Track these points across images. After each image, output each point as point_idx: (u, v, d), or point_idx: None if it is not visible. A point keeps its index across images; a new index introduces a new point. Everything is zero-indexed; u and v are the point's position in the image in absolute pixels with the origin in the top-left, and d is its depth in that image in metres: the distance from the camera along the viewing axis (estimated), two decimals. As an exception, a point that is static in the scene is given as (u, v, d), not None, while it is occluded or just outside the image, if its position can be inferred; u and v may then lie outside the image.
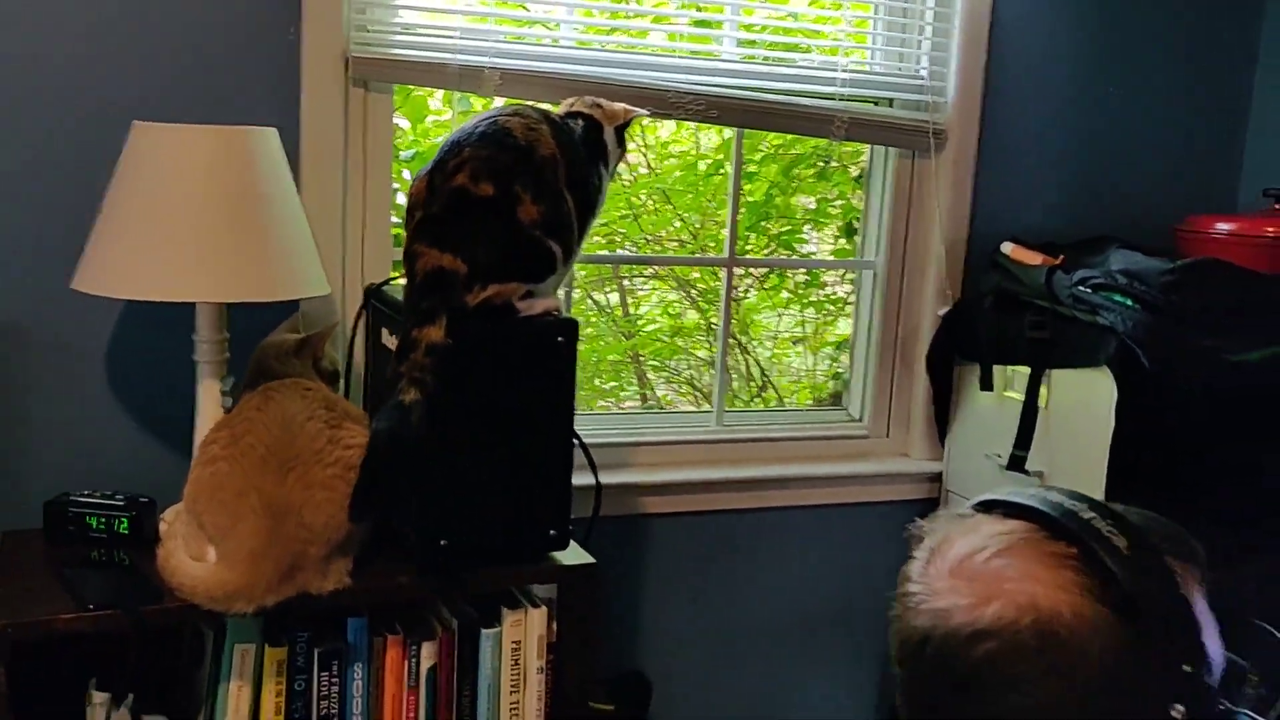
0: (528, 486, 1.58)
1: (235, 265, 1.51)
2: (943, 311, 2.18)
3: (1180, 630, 0.83)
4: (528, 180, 1.49)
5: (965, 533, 0.90)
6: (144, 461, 1.78)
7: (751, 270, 2.62)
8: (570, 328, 1.55)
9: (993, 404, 2.05)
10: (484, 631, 1.64)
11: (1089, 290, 1.86)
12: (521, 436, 1.56)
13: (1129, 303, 1.81)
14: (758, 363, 2.82)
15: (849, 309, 2.35)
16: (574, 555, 1.66)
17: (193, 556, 1.48)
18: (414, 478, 1.49)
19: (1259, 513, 1.88)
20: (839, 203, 2.57)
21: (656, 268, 2.78)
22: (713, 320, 2.50)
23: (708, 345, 2.66)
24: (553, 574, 1.65)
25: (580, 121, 1.65)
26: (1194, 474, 1.84)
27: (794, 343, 2.81)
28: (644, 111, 1.73)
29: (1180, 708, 0.82)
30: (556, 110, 1.68)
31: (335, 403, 1.57)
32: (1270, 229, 2.04)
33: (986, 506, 0.92)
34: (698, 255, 2.47)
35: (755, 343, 2.85)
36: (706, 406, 2.29)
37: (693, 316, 2.70)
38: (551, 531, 1.60)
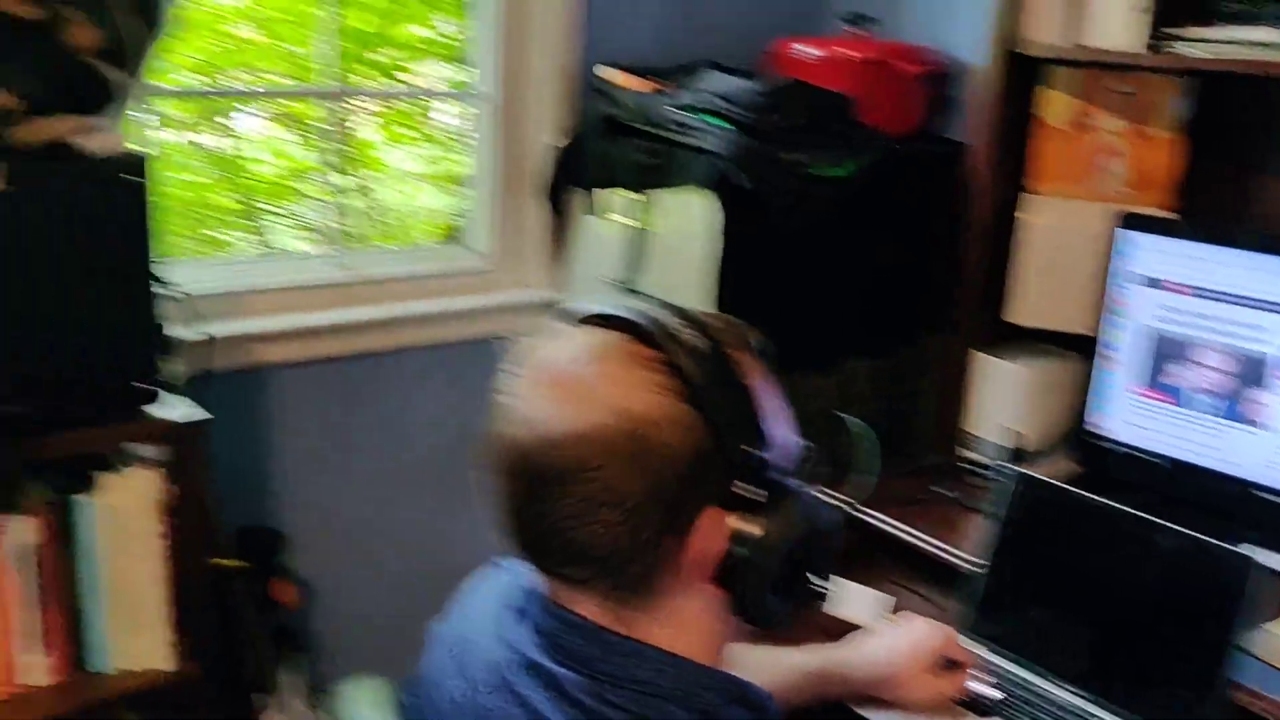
0: (106, 339, 1.46)
1: None
2: (556, 140, 2.18)
3: (740, 416, 0.90)
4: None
5: (558, 345, 0.92)
6: None
7: (363, 104, 2.51)
8: (138, 164, 1.42)
9: (605, 230, 2.09)
10: (75, 499, 1.53)
11: (688, 114, 1.92)
12: (96, 286, 1.43)
13: (725, 125, 1.88)
14: (367, 197, 2.74)
15: (471, 143, 2.30)
16: (182, 411, 1.57)
17: None
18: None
19: (845, 320, 2.06)
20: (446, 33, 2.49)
21: (268, 108, 2.60)
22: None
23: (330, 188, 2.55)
24: (155, 432, 1.55)
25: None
26: (792, 287, 1.98)
27: (421, 181, 2.74)
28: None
29: (743, 485, 0.89)
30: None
31: None
32: (851, 52, 2.18)
33: (578, 319, 0.95)
34: (303, 87, 2.33)
35: (379, 182, 2.75)
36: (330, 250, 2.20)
37: (310, 159, 2.56)
38: (137, 384, 1.49)
